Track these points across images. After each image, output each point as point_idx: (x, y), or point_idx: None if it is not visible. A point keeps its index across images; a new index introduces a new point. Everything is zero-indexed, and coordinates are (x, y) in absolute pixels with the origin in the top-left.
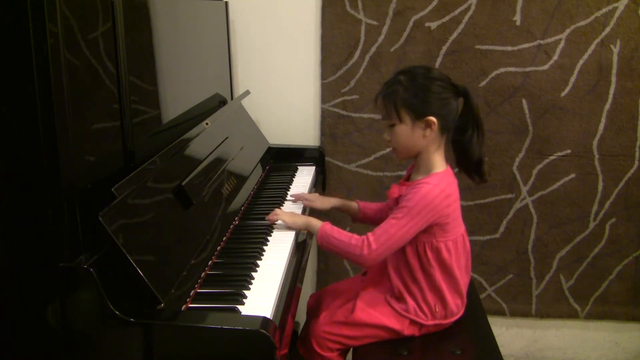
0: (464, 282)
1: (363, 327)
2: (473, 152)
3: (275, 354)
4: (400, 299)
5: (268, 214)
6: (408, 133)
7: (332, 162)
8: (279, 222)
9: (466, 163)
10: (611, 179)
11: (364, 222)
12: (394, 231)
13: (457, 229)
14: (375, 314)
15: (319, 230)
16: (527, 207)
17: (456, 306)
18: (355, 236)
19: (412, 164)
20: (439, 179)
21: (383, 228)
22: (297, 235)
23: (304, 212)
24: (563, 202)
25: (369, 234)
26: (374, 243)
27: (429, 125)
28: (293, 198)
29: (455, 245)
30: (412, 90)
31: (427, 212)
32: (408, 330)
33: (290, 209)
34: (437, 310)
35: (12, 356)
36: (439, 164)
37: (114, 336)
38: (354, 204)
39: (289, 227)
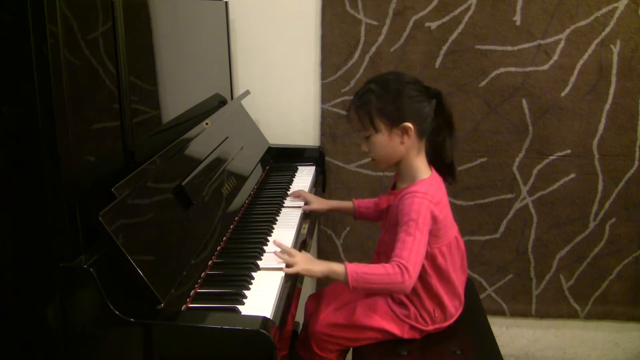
0: (460, 283)
1: (364, 329)
2: (446, 154)
3: (275, 354)
4: (401, 304)
5: (268, 214)
6: (385, 142)
7: (332, 162)
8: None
9: (439, 164)
10: (611, 179)
11: (363, 219)
12: (417, 247)
13: (450, 232)
14: (376, 317)
15: (348, 274)
16: (527, 207)
17: (454, 308)
18: (386, 265)
19: (397, 172)
20: (427, 186)
21: (407, 249)
22: (297, 235)
23: (303, 217)
24: (563, 202)
25: (396, 259)
26: (408, 265)
27: (405, 131)
28: (292, 197)
29: (450, 249)
30: (385, 98)
31: (428, 220)
32: (408, 335)
33: (289, 209)
34: (436, 315)
35: (12, 356)
36: (423, 169)
37: (114, 336)
38: (349, 204)
39: (296, 268)
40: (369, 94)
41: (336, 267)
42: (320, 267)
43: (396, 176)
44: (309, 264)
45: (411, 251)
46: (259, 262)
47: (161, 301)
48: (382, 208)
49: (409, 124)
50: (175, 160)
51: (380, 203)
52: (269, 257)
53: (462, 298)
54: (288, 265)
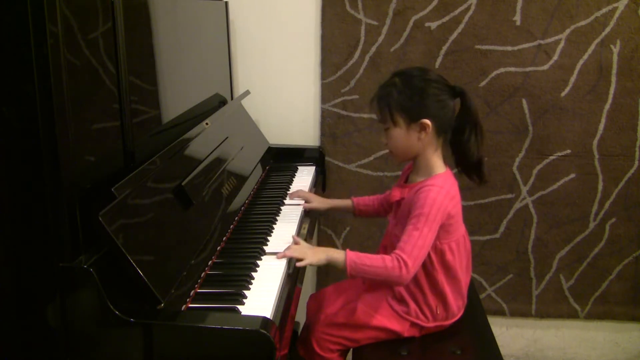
0: (465, 282)
1: (364, 328)
2: (471, 153)
3: (275, 354)
4: (401, 301)
5: (268, 214)
6: (403, 136)
7: (332, 162)
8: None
9: (465, 164)
10: (611, 179)
11: (362, 216)
12: (421, 243)
13: (459, 229)
14: (377, 315)
15: (347, 262)
16: (527, 207)
17: (457, 307)
18: (386, 257)
19: (408, 165)
20: (443, 181)
21: (410, 243)
22: (297, 235)
23: (303, 216)
24: (563, 202)
25: (398, 252)
26: (408, 260)
27: (423, 128)
28: (292, 198)
29: (458, 246)
30: (406, 93)
31: (440, 216)
32: (408, 332)
33: (289, 209)
34: (438, 312)
35: (12, 356)
36: (439, 165)
37: (114, 336)
38: (348, 202)
39: (295, 254)
40: (392, 87)
41: (336, 255)
42: (322, 255)
43: (407, 170)
44: (314, 255)
45: (414, 246)
46: (259, 261)
47: (161, 301)
48: (394, 201)
49: (427, 121)
50: (175, 160)
51: (393, 196)
52: (270, 257)
53: (465, 298)
54: (298, 260)
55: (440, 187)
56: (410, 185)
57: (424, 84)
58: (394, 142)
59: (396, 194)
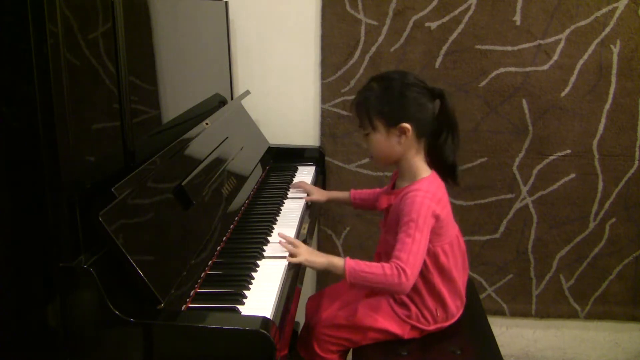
0: (462, 282)
1: (365, 330)
2: (446, 156)
3: (275, 354)
4: (402, 304)
5: (268, 214)
6: (383, 141)
7: (332, 162)
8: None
9: (439, 166)
10: (611, 179)
11: (360, 209)
12: (416, 249)
13: (451, 231)
14: (378, 317)
15: (346, 268)
16: (527, 207)
17: (456, 307)
18: (385, 265)
19: (396, 171)
20: (428, 184)
21: (405, 250)
22: (297, 235)
23: (303, 216)
24: (563, 202)
25: (395, 260)
26: (406, 268)
27: (403, 132)
28: (294, 189)
29: (451, 247)
30: (384, 98)
31: (429, 220)
32: (409, 335)
33: (291, 206)
34: (438, 314)
35: (12, 356)
36: (423, 168)
37: (114, 336)
38: (346, 194)
39: (295, 256)
40: (369, 92)
41: (336, 261)
42: (322, 259)
43: (395, 175)
44: (311, 255)
45: (410, 253)
46: (258, 261)
47: (161, 301)
48: (382, 208)
49: (406, 125)
50: (175, 160)
51: (381, 203)
52: (271, 253)
53: (463, 297)
54: (292, 255)
55: (426, 192)
56: (397, 191)
57: (402, 87)
58: (374, 147)
59: (383, 201)
